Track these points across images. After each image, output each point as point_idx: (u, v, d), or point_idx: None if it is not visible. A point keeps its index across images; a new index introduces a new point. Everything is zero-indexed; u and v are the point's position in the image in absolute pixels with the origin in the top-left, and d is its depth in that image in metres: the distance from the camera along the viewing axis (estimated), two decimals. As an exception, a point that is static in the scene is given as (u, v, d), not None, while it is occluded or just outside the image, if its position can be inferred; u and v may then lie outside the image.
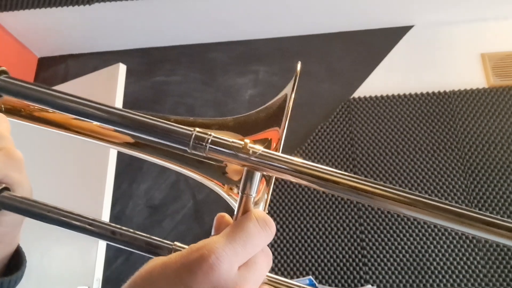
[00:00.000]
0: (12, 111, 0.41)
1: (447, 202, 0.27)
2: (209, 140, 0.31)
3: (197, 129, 0.32)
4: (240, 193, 0.32)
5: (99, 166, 2.14)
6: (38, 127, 0.43)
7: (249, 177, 0.32)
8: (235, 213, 0.32)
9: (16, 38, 2.72)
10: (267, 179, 0.35)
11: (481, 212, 0.27)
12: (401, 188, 0.28)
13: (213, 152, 0.31)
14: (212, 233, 0.33)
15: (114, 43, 2.80)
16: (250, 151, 0.30)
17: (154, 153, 0.39)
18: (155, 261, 0.29)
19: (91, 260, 1.99)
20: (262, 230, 0.31)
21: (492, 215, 0.26)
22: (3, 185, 0.37)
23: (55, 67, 2.90)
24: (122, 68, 2.33)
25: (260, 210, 0.32)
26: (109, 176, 2.12)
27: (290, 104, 0.34)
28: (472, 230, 0.27)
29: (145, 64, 2.78)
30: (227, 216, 0.34)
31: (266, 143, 0.35)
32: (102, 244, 2.02)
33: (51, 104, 0.35)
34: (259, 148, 0.31)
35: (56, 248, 2.16)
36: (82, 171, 2.21)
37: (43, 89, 0.35)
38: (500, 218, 0.26)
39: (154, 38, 2.76)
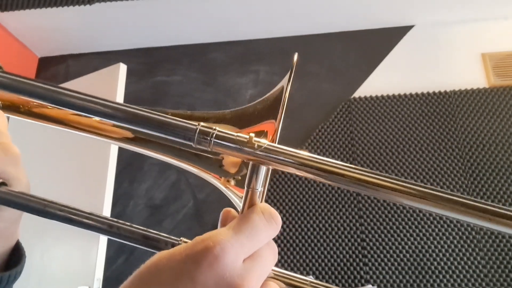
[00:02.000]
0: (11, 108, 0.41)
1: (454, 193, 0.27)
2: (214, 135, 0.31)
3: (201, 123, 0.32)
4: (245, 187, 0.32)
5: (100, 166, 2.14)
6: (37, 126, 0.42)
7: (255, 171, 0.31)
8: (241, 207, 0.32)
9: (16, 38, 2.72)
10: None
11: (490, 203, 0.27)
12: (407, 180, 0.28)
13: (218, 146, 0.31)
14: (218, 227, 0.33)
15: (115, 43, 2.80)
16: (255, 145, 0.30)
17: (152, 148, 0.39)
18: (161, 254, 0.29)
19: (92, 260, 1.99)
20: (267, 223, 0.31)
21: (502, 206, 0.26)
22: (0, 180, 0.37)
23: (55, 67, 2.90)
24: (122, 68, 2.33)
25: (265, 204, 0.32)
26: (110, 175, 2.12)
27: (286, 95, 0.34)
28: (480, 221, 0.27)
29: (146, 64, 2.78)
30: (233, 210, 0.34)
31: (262, 135, 0.34)
32: (102, 244, 2.03)
33: (46, 98, 0.34)
34: (265, 141, 0.31)
35: (57, 248, 2.16)
36: (82, 171, 2.22)
37: (38, 83, 0.34)
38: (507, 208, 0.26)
39: (155, 38, 2.76)
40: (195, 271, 0.27)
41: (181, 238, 0.34)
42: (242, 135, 0.31)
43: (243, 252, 0.29)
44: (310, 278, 0.33)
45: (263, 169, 0.31)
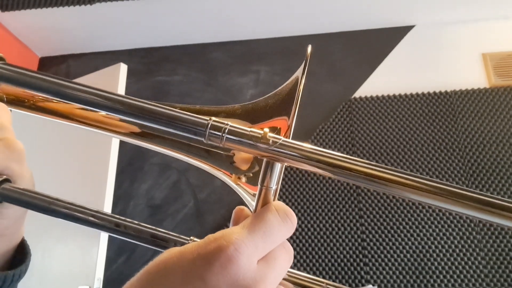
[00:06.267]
0: (15, 102, 0.39)
1: (470, 189, 0.26)
2: (226, 130, 0.29)
3: (213, 118, 0.30)
4: (259, 185, 0.30)
5: (100, 165, 2.14)
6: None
7: (269, 168, 0.30)
8: (254, 205, 0.31)
9: (17, 38, 2.72)
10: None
11: (503, 198, 0.25)
12: (435, 179, 0.27)
13: (231, 142, 0.29)
14: (230, 226, 0.31)
15: (115, 43, 2.80)
16: (270, 141, 0.29)
17: (160, 143, 0.38)
18: (171, 251, 0.28)
19: (92, 260, 1.99)
20: (282, 222, 0.29)
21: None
22: (4, 177, 0.36)
23: (56, 67, 2.90)
24: (123, 68, 2.33)
25: (280, 202, 0.31)
26: (110, 175, 2.12)
27: (300, 89, 0.32)
28: (497, 218, 0.25)
29: (146, 64, 2.78)
30: (246, 209, 0.32)
31: (275, 131, 0.33)
32: (103, 244, 2.02)
33: (50, 92, 0.33)
34: (280, 137, 0.29)
35: (57, 248, 2.16)
36: (83, 171, 2.21)
37: (42, 76, 0.33)
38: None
39: (155, 38, 2.76)
40: (206, 272, 0.26)
41: (191, 237, 0.33)
42: (256, 130, 0.29)
43: (257, 253, 0.27)
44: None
45: (277, 166, 0.30)
